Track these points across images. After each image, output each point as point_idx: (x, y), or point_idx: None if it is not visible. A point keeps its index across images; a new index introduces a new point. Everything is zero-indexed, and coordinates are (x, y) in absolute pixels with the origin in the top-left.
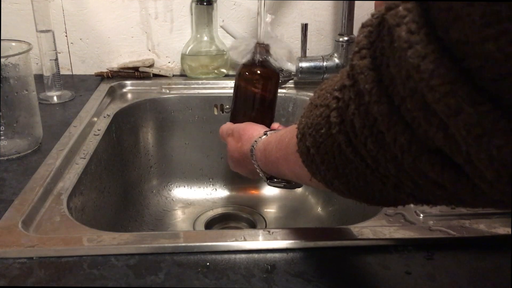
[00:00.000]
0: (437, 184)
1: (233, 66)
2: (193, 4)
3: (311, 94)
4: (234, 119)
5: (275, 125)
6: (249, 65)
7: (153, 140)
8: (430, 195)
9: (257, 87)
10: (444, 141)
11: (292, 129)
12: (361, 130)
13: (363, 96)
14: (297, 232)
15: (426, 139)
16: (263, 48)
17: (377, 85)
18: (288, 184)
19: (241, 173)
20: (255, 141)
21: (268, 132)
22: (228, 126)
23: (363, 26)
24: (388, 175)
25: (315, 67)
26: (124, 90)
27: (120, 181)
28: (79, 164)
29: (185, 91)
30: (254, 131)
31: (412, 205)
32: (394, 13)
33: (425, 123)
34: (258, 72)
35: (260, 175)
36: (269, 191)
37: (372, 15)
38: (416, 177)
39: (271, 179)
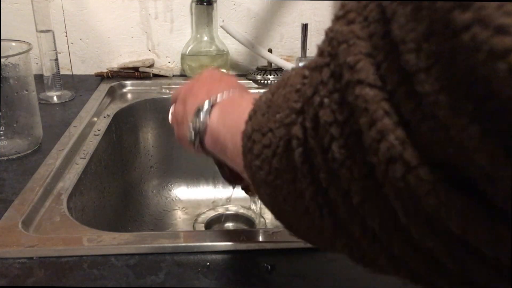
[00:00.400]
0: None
1: (233, 66)
2: (193, 4)
3: None
4: None
5: None
6: None
7: (153, 140)
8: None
9: None
10: None
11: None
12: (327, 127)
13: (340, 75)
14: None
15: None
16: None
17: (366, 58)
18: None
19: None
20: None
21: (217, 98)
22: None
23: None
24: (338, 203)
25: None
26: (124, 90)
27: (120, 181)
28: (79, 164)
29: None
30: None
31: None
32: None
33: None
34: None
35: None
36: None
37: None
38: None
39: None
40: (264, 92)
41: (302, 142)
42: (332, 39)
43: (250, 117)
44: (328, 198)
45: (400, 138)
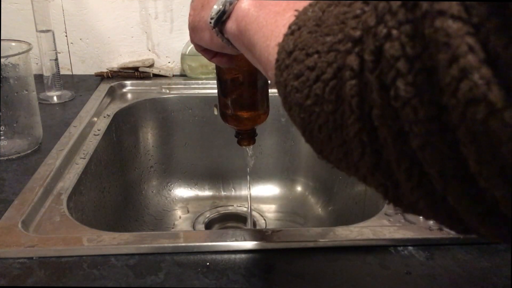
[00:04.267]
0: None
1: None
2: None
3: None
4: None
5: None
6: None
7: (153, 140)
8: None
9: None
10: None
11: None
12: (393, 61)
13: (414, 8)
14: (297, 232)
15: None
16: None
17: None
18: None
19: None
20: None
21: None
22: None
23: None
24: (387, 145)
25: None
26: (124, 90)
27: (120, 181)
28: (79, 164)
29: (185, 91)
30: None
31: None
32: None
33: None
34: None
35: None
36: (269, 191)
37: None
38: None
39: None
40: (310, 5)
41: (357, 74)
42: None
43: (293, 32)
44: (375, 137)
45: (486, 77)
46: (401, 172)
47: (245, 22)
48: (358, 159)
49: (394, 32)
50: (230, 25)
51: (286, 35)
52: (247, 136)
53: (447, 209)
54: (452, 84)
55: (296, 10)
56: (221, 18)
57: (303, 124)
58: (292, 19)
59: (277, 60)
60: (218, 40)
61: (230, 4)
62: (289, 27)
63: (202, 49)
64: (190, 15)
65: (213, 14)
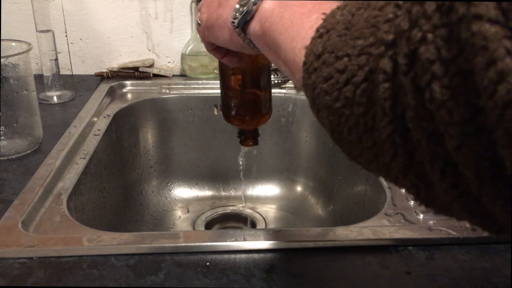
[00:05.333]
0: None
1: None
2: (193, 4)
3: None
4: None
5: None
6: None
7: (153, 140)
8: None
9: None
10: None
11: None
12: (429, 64)
13: (449, 12)
14: (297, 232)
15: None
16: None
17: None
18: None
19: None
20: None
21: None
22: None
23: None
24: (421, 147)
25: None
26: (124, 90)
27: (120, 181)
28: (79, 164)
29: (185, 91)
30: None
31: (412, 205)
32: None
33: None
34: None
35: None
36: (269, 191)
37: None
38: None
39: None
40: (338, 8)
41: (390, 77)
42: None
43: (321, 35)
44: (408, 138)
45: None
46: (435, 173)
47: (270, 23)
48: (390, 160)
49: (429, 35)
50: (254, 26)
51: (314, 38)
52: (250, 137)
53: (482, 209)
54: (490, 87)
55: (323, 13)
56: (246, 18)
57: (332, 126)
58: (319, 21)
59: (305, 63)
60: (238, 40)
61: (254, 4)
62: (317, 30)
63: (214, 48)
64: (203, 12)
65: (237, 14)
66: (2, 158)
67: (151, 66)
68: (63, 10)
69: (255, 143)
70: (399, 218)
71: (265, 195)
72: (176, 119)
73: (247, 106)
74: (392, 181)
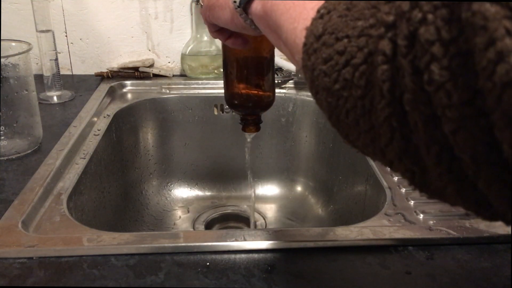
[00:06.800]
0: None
1: None
2: (193, 4)
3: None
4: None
5: None
6: None
7: (153, 140)
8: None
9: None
10: None
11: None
12: (428, 45)
13: None
14: (297, 232)
15: None
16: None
17: None
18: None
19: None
20: None
21: None
22: None
23: None
24: (418, 130)
25: None
26: (124, 90)
27: (120, 181)
28: (79, 164)
29: (185, 91)
30: None
31: (412, 205)
32: None
33: None
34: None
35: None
36: (269, 191)
37: None
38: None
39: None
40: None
41: (389, 59)
42: None
43: (322, 15)
44: (404, 122)
45: None
46: (431, 157)
47: (271, 3)
48: (386, 144)
49: (430, 16)
50: (255, 6)
51: (314, 19)
52: (252, 122)
53: (476, 194)
54: (489, 68)
55: None
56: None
57: (330, 108)
58: (321, 2)
59: (305, 44)
60: (239, 20)
61: None
62: (318, 11)
63: (217, 29)
64: None
65: None
66: (2, 158)
67: (151, 66)
68: (63, 10)
69: (258, 129)
70: (399, 218)
71: (265, 195)
72: (176, 119)
73: (250, 92)
74: (387, 165)
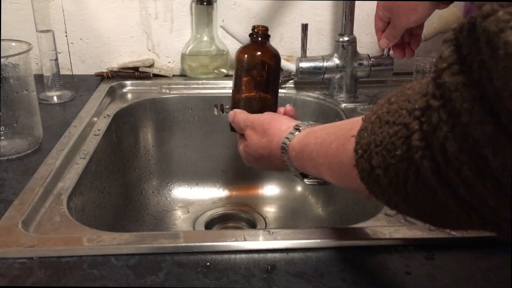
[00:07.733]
0: None
1: (233, 67)
2: (193, 4)
3: (311, 94)
4: (238, 103)
5: (281, 109)
6: (251, 47)
7: (153, 140)
8: None
9: (260, 67)
10: None
11: (339, 136)
12: (457, 155)
13: (459, 116)
14: (297, 232)
15: None
16: (262, 29)
17: (478, 102)
18: (325, 182)
19: (259, 168)
20: (287, 137)
21: (300, 127)
22: (245, 116)
23: (446, 41)
24: (481, 208)
25: (315, 67)
26: (124, 90)
27: (120, 181)
28: (79, 164)
29: (185, 91)
30: (281, 124)
31: None
32: (494, 19)
33: None
34: (260, 52)
35: (295, 174)
36: (269, 191)
37: (454, 29)
38: None
39: (307, 177)
40: (362, 130)
41: (435, 170)
42: (442, 86)
43: (361, 155)
44: (470, 204)
45: None
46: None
47: (303, 145)
48: (465, 221)
49: (449, 134)
50: (290, 152)
51: (357, 162)
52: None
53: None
54: (498, 170)
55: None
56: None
57: (408, 209)
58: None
59: (363, 178)
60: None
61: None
62: (356, 151)
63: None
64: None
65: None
66: (2, 158)
67: (151, 66)
68: (63, 10)
69: None
70: (399, 218)
71: (265, 195)
72: (176, 119)
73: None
74: (462, 230)
